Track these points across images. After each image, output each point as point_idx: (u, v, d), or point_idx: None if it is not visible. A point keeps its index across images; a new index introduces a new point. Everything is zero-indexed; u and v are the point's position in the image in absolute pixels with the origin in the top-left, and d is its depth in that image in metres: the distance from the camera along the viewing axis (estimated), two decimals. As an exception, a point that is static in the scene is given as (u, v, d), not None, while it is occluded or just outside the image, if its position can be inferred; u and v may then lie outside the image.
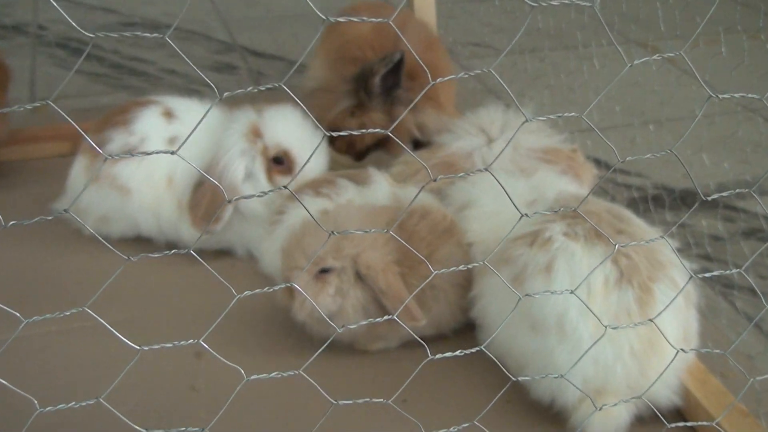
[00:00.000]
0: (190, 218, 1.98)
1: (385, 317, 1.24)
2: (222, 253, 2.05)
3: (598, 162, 2.35)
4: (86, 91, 2.98)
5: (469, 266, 1.28)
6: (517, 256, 1.50)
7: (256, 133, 1.99)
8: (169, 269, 2.00)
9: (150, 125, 2.06)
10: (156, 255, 0.98)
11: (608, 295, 1.43)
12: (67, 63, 3.20)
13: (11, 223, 0.87)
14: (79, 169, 2.10)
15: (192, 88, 3.00)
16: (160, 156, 2.02)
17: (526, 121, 1.02)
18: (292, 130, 2.02)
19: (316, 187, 1.91)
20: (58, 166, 2.43)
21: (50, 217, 0.96)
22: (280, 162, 2.00)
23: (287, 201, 1.92)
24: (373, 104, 2.25)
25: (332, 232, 1.10)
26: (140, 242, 2.08)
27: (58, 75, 3.10)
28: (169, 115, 2.08)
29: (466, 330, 1.73)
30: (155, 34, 0.82)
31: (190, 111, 2.11)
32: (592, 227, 1.48)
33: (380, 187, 1.90)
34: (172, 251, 0.98)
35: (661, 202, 2.23)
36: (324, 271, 1.62)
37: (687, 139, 2.53)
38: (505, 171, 1.90)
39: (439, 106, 2.37)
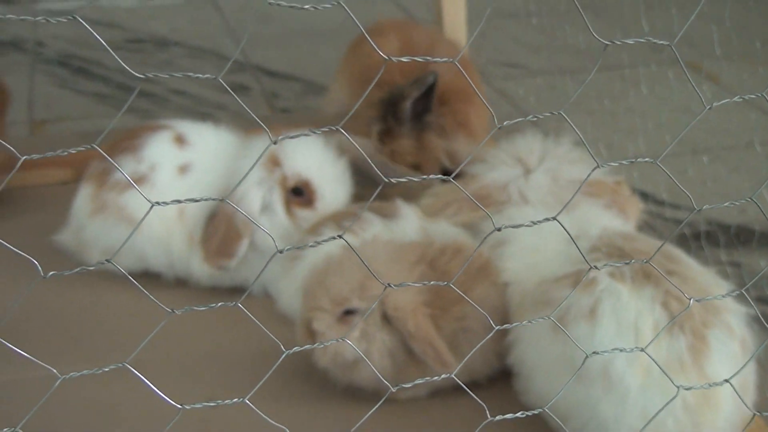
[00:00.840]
0: (203, 253, 2.02)
1: (443, 376, 1.27)
2: (236, 291, 2.08)
3: (645, 196, 2.38)
4: (90, 112, 3.05)
5: (535, 321, 1.30)
6: (558, 298, 1.52)
7: (274, 162, 2.03)
8: (180, 307, 2.03)
9: (160, 152, 2.10)
10: (203, 308, 1.01)
11: (658, 342, 1.44)
12: (68, 82, 3.27)
13: (51, 273, 0.91)
14: (83, 198, 2.14)
15: (202, 111, 3.06)
16: (171, 185, 2.07)
17: (598, 166, 1.05)
18: (313, 158, 2.06)
19: (338, 220, 1.94)
20: (59, 193, 2.48)
21: (92, 267, 0.99)
22: (299, 193, 2.04)
23: (307, 236, 1.95)
24: (402, 130, 2.29)
25: (388, 285, 1.12)
26: (148, 277, 2.11)
27: (59, 95, 3.17)
28: (180, 141, 2.13)
29: (501, 377, 1.75)
30: (207, 75, 0.85)
31: (203, 136, 2.15)
32: (639, 267, 1.50)
33: (409, 221, 1.93)
34: (219, 304, 1.01)
35: (714, 240, 2.25)
36: (348, 312, 1.65)
37: (744, 173, 2.54)
38: (544, 204, 1.92)
39: (470, 132, 2.41)
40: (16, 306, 1.83)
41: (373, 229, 1.92)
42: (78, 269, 0.97)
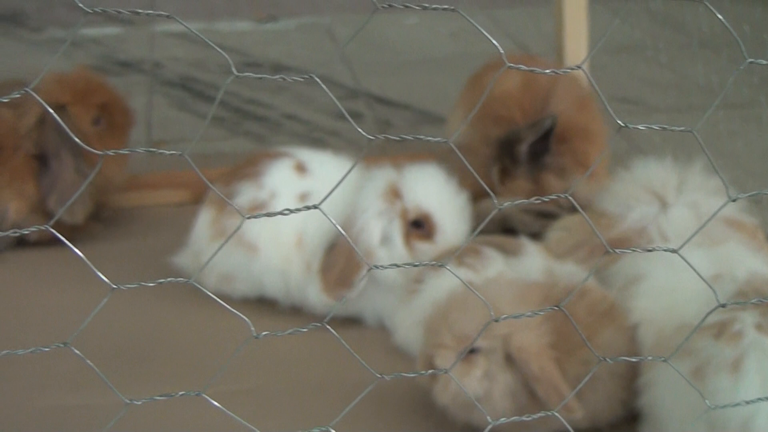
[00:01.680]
0: (322, 283, 2.04)
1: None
2: (351, 322, 2.10)
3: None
4: (206, 135, 3.13)
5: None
6: (699, 348, 1.49)
7: (395, 194, 2.05)
8: (294, 335, 2.06)
9: (281, 180, 2.15)
10: (413, 375, 1.02)
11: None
12: (186, 104, 3.37)
13: (264, 333, 0.94)
14: (204, 221, 2.19)
15: (315, 137, 3.11)
16: (290, 215, 2.10)
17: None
18: (435, 191, 2.07)
19: (459, 255, 1.94)
20: (176, 215, 2.56)
21: (304, 329, 1.01)
22: (419, 226, 2.05)
23: (427, 269, 1.95)
24: (519, 171, 2.29)
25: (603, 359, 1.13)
26: (263, 304, 2.15)
27: (176, 117, 3.27)
28: (301, 169, 2.17)
29: (624, 423, 1.72)
30: (438, 138, 0.87)
31: (323, 165, 2.19)
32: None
33: (533, 260, 1.92)
34: (429, 372, 1.02)
35: None
36: (471, 351, 1.65)
37: None
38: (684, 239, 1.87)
39: (591, 172, 2.38)
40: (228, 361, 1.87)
41: (495, 266, 1.91)
42: (291, 330, 1.00)
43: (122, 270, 2.31)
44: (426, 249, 2.05)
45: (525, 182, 2.31)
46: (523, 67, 1.00)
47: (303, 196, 2.13)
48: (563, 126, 2.31)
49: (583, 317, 1.73)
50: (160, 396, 1.03)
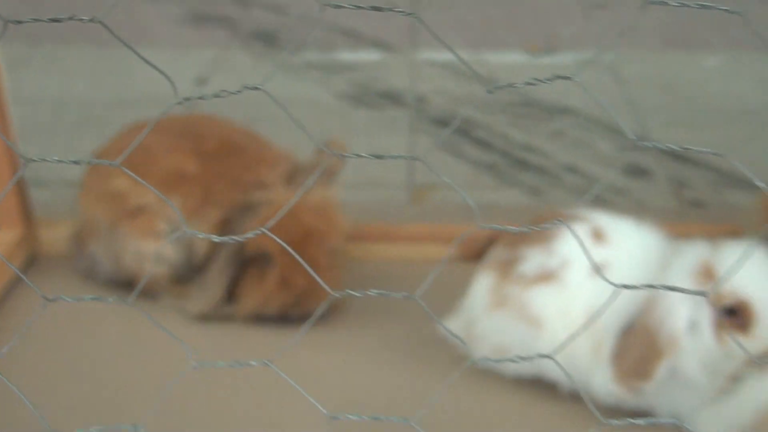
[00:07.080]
0: (614, 371, 2.07)
1: None
2: (638, 415, 2.11)
3: None
4: (472, 182, 3.22)
5: None
6: None
7: (707, 275, 2.03)
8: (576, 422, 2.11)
9: (575, 247, 2.19)
10: None
11: None
12: (449, 146, 3.48)
13: None
14: (482, 288, 2.27)
15: (599, 196, 3.13)
16: (582, 287, 2.14)
17: None
18: (757, 276, 2.04)
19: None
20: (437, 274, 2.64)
21: None
22: (733, 314, 2.03)
23: (747, 367, 1.94)
24: None
25: None
26: (540, 386, 2.21)
27: (442, 160, 3.38)
28: (599, 236, 2.20)
29: None
30: None
31: (624, 234, 2.21)
32: None
33: None
34: None
35: None
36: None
37: None
38: None
39: None
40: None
41: None
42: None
43: (384, 334, 2.42)
44: (741, 341, 2.03)
45: None
46: None
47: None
48: None
49: None
50: None
